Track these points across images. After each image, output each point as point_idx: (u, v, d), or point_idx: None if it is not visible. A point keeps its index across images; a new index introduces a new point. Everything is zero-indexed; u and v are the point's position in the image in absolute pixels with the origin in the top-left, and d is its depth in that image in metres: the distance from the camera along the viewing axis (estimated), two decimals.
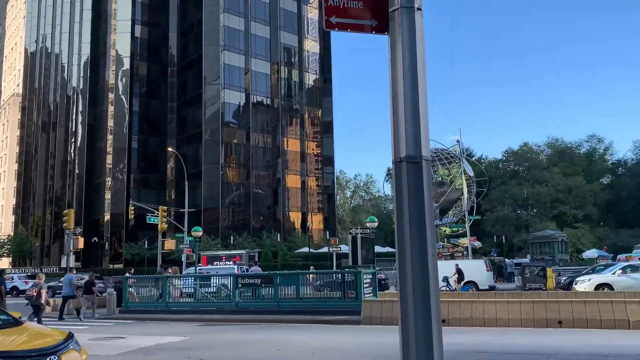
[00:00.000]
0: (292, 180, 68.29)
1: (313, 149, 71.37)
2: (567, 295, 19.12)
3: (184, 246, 45.67)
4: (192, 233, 27.70)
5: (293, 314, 18.74)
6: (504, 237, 71.28)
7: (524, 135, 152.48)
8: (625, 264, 26.14)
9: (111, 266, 60.62)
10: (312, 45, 73.42)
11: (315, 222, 67.40)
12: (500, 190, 78.01)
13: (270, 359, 11.52)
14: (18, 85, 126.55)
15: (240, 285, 19.39)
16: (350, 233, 23.72)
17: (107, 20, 73.66)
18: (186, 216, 45.88)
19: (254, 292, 19.85)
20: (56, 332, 7.10)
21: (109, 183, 67.51)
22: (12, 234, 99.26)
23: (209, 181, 60.80)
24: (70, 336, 6.89)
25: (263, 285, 19.02)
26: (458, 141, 41.89)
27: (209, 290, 20.95)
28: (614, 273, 24.63)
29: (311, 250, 54.54)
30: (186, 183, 45.33)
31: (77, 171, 74.46)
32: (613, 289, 22.72)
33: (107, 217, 67.18)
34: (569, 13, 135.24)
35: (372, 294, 18.81)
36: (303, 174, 69.34)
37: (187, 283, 22.21)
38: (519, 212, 78.30)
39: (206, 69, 63.88)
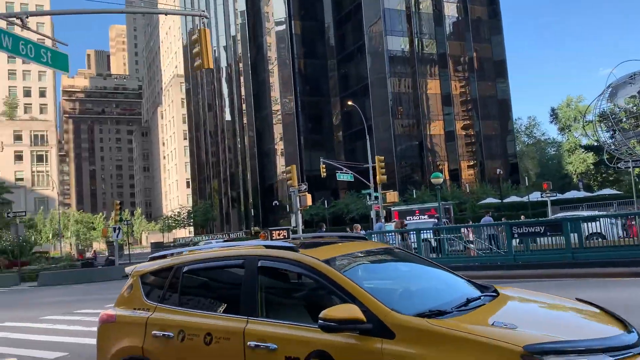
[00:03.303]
0: (466, 128, 63.36)
1: (487, 93, 65.40)
2: None
3: (371, 202, 44.15)
4: (433, 180, 25.00)
5: (590, 267, 15.16)
6: None
7: None
8: None
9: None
10: None
11: (496, 170, 61.96)
12: None
13: None
14: (176, 67, 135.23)
15: (516, 236, 16.21)
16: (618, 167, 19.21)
17: None
18: (370, 171, 43.99)
19: (526, 244, 16.59)
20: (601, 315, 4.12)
21: (279, 148, 68.38)
22: (188, 205, 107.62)
23: (380, 135, 58.35)
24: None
25: (548, 234, 15.58)
26: None
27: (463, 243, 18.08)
28: None
29: (503, 200, 49.86)
30: (367, 137, 43.12)
31: (246, 141, 76.77)
32: None
33: (280, 181, 68.44)
34: None
35: None
36: (477, 120, 63.96)
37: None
38: None
39: (366, 17, 60.76)
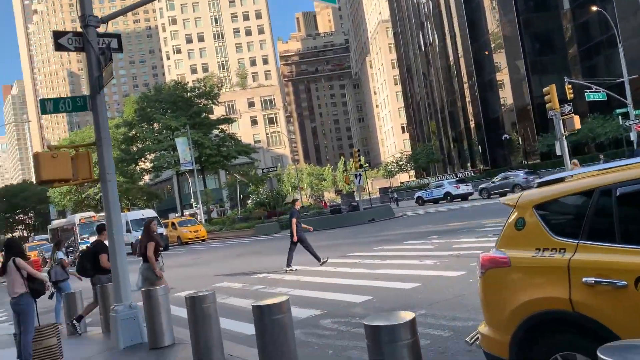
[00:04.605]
0: None
1: None
2: None
3: (631, 122, 37.86)
4: None
5: None
6: None
7: None
8: None
9: (526, 162, 56.79)
10: None
11: None
12: None
13: None
14: (380, 13, 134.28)
15: None
16: None
17: None
18: (627, 86, 37.58)
19: None
20: None
21: (502, 77, 62.95)
22: (406, 149, 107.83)
23: (628, 44, 49.16)
24: None
25: None
26: None
27: None
28: None
29: None
30: (619, 45, 36.52)
31: (463, 75, 72.73)
32: None
33: (506, 113, 63.36)
34: None
35: None
36: None
37: None
38: None
39: None
